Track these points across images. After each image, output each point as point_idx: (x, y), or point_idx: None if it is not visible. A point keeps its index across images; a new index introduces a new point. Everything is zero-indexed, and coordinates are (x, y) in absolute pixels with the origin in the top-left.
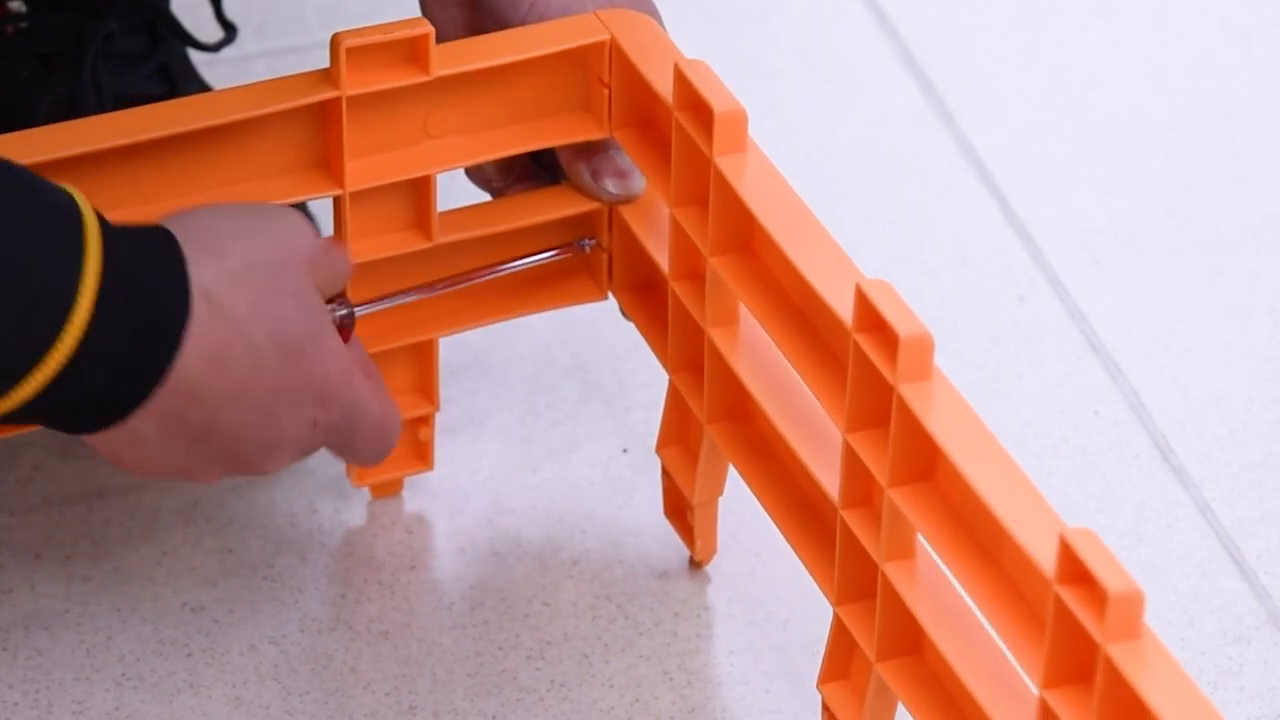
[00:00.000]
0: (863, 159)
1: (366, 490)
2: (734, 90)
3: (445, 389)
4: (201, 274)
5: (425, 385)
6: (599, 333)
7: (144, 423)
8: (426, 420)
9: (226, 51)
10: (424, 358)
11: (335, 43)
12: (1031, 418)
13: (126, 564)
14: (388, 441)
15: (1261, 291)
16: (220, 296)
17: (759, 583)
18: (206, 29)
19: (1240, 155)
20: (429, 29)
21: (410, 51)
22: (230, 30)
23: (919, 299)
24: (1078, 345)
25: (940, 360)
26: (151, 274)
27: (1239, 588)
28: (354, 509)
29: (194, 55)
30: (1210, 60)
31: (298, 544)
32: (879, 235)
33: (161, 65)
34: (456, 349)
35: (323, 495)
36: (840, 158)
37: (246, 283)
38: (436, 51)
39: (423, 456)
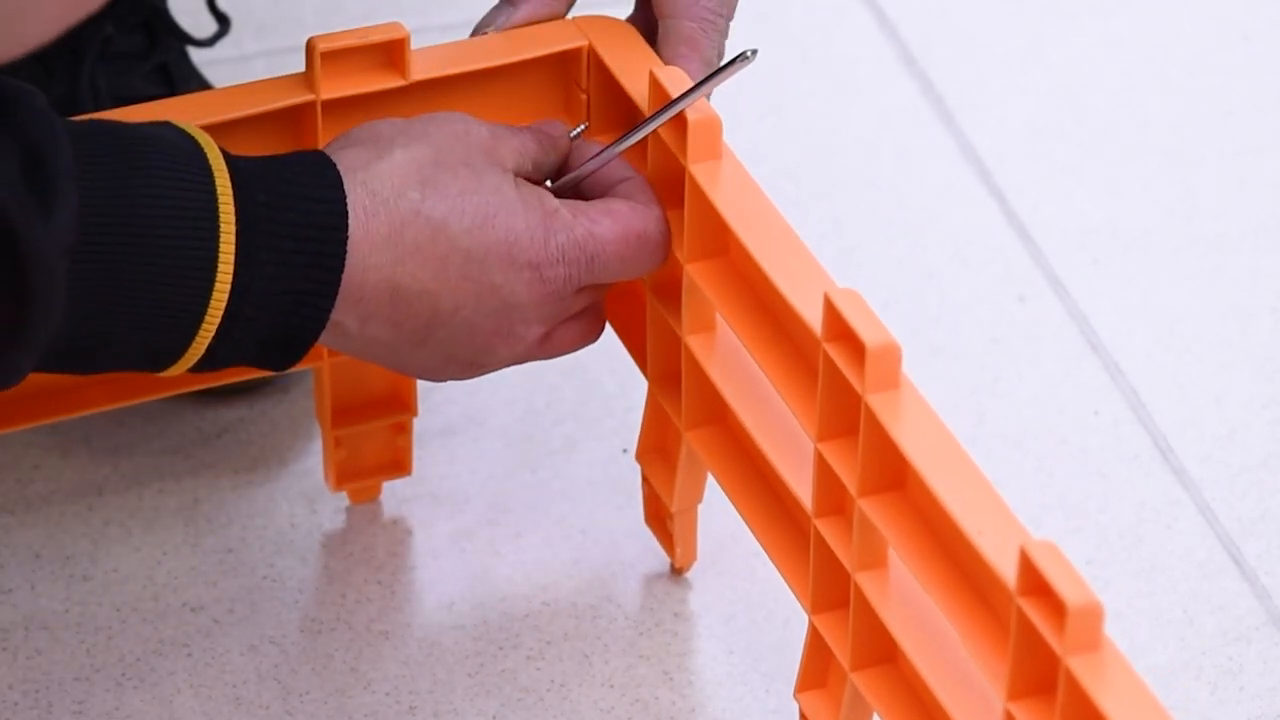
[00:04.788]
0: (863, 159)
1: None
2: (733, 90)
3: (445, 389)
4: (353, 166)
5: (402, 392)
6: None
7: (364, 324)
8: (404, 427)
9: (226, 51)
10: None
11: (310, 47)
12: (1031, 418)
13: (126, 564)
14: (647, 248)
15: (1261, 291)
16: (381, 183)
17: (760, 583)
18: (206, 27)
19: (1240, 155)
20: (405, 33)
21: (387, 56)
22: (224, 22)
23: (919, 299)
24: (1078, 345)
25: (940, 360)
26: (300, 186)
27: (1239, 588)
28: (354, 509)
29: (194, 55)
30: (1210, 60)
31: (298, 544)
32: (879, 235)
33: (160, 65)
34: None
35: (323, 495)
36: (840, 158)
37: (413, 171)
38: (414, 56)
39: (400, 462)
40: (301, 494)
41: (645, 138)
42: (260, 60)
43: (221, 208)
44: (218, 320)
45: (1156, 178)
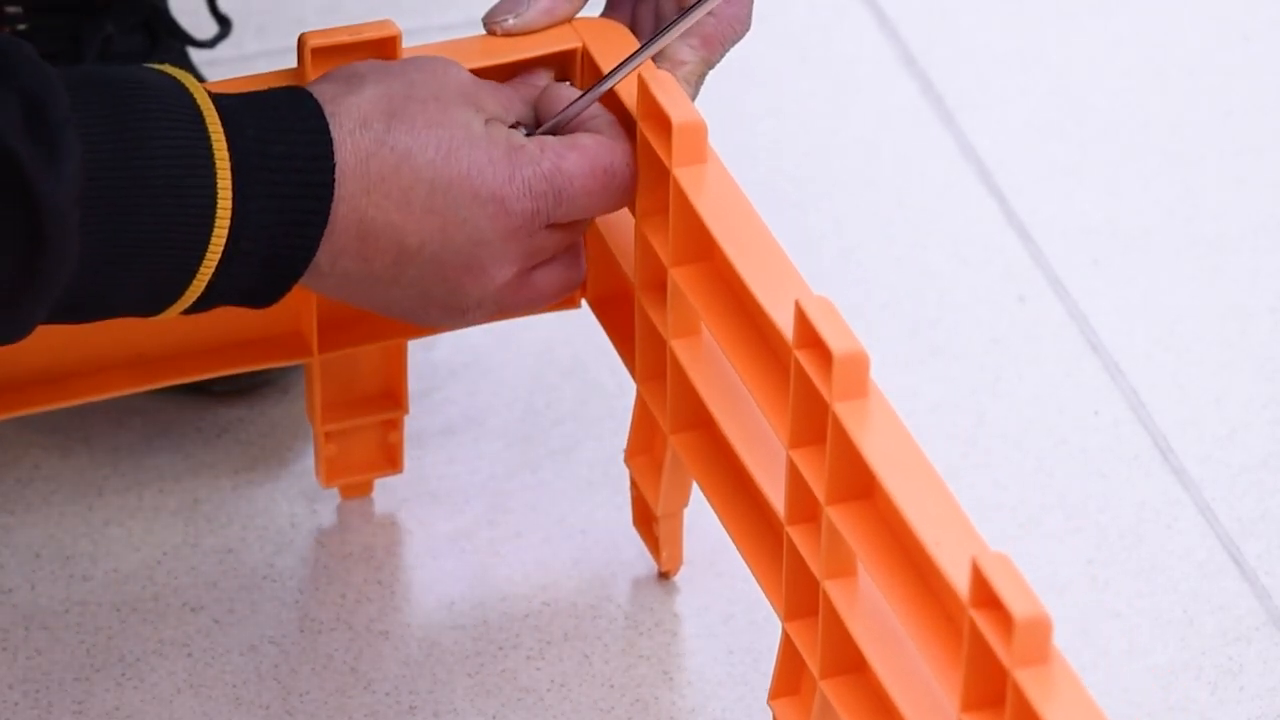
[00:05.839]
0: (863, 159)
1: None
2: (734, 90)
3: (445, 389)
4: (324, 100)
5: (394, 389)
6: (599, 333)
7: (334, 260)
8: (395, 424)
9: (227, 51)
10: (393, 361)
11: (302, 42)
12: (1031, 418)
13: (126, 564)
14: (614, 182)
15: (1261, 291)
16: (348, 116)
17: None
18: (205, 27)
19: (1240, 155)
20: (397, 31)
21: (379, 53)
22: (225, 24)
23: (919, 299)
24: (1078, 345)
25: (941, 361)
26: (286, 132)
27: (1239, 588)
28: (354, 509)
29: (195, 55)
30: (1210, 60)
31: (298, 544)
32: (879, 235)
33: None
34: (456, 349)
35: (322, 495)
36: (840, 158)
37: (381, 104)
38: (405, 53)
39: (392, 459)
40: (301, 493)
41: (640, 136)
42: (261, 60)
43: (214, 144)
44: (219, 255)
45: (1156, 178)
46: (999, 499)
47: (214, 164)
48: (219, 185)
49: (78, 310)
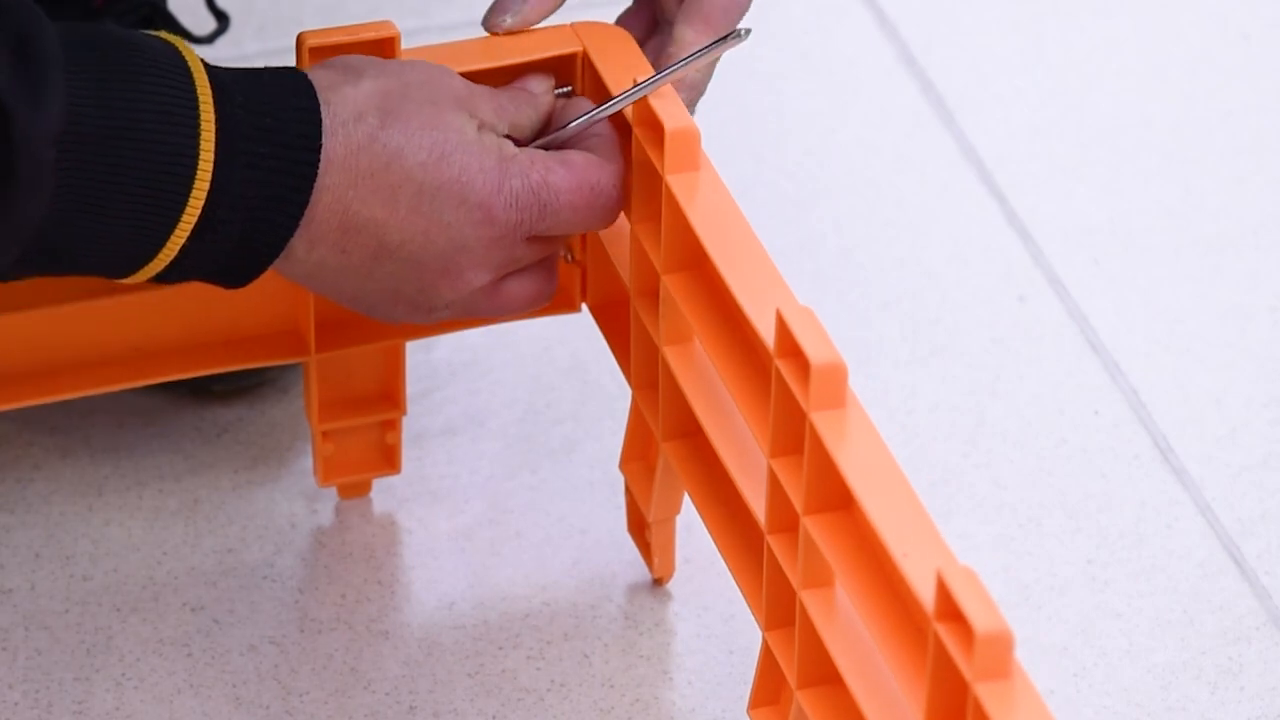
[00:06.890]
0: (863, 159)
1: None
2: (734, 91)
3: (445, 389)
4: (320, 87)
5: (392, 390)
6: (598, 334)
7: (311, 247)
8: (393, 424)
9: (226, 50)
10: (391, 362)
11: (300, 41)
12: (1031, 418)
13: (126, 564)
14: (599, 200)
15: (1261, 291)
16: (343, 106)
17: None
18: (204, 25)
19: (1240, 155)
20: (395, 31)
21: (377, 53)
22: (223, 20)
23: (919, 299)
24: (1078, 345)
25: (940, 360)
26: (276, 105)
27: (1239, 588)
28: (354, 509)
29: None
30: (1210, 60)
31: (297, 544)
32: (879, 235)
33: None
34: (456, 349)
35: (322, 495)
36: (840, 158)
37: (377, 99)
38: (404, 55)
39: (389, 460)
40: (301, 493)
41: (635, 141)
42: (260, 60)
43: (202, 109)
44: (194, 220)
45: (1156, 178)
46: (999, 499)
47: (199, 126)
48: (201, 148)
49: (50, 258)
